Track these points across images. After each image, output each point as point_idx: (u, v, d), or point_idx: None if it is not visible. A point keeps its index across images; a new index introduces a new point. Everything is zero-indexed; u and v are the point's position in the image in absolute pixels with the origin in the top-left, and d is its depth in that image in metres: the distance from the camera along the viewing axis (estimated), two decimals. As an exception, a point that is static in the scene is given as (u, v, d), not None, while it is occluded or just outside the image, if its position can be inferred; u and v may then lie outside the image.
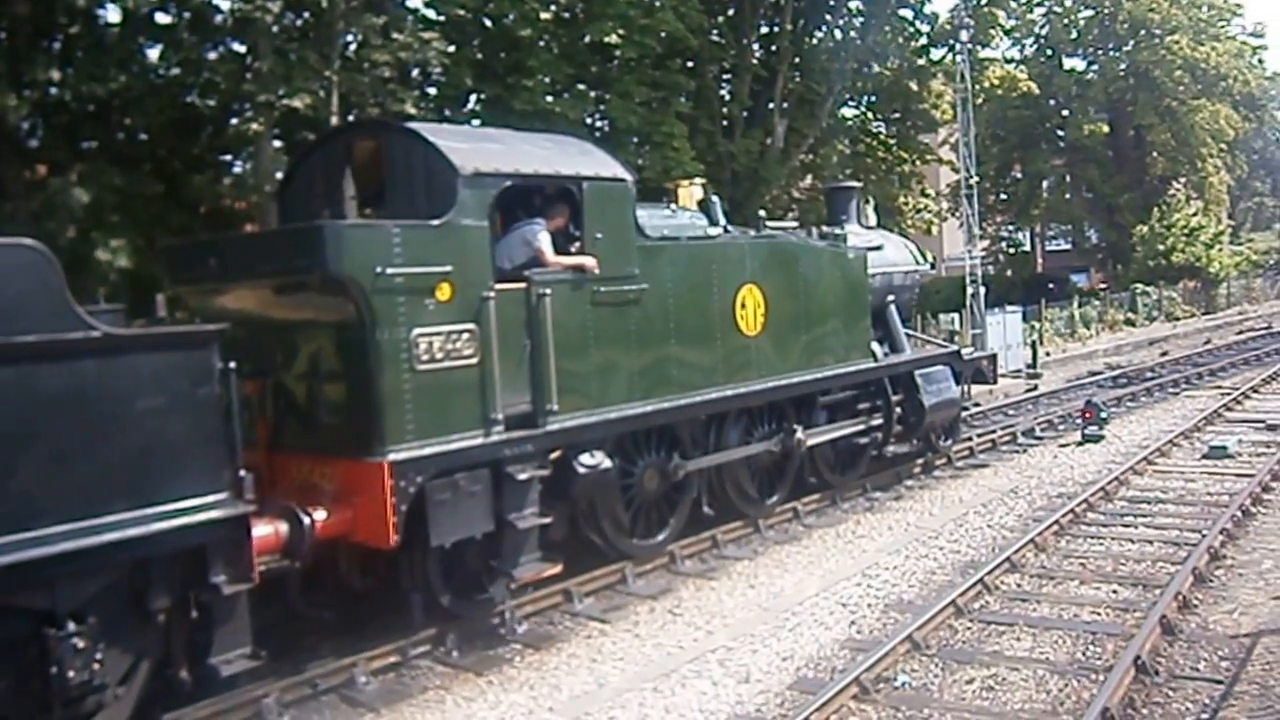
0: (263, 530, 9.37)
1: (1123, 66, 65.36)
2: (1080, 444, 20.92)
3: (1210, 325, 52.44)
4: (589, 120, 31.48)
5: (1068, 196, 70.58)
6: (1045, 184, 70.09)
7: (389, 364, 10.02)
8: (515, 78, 28.61)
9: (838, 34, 41.82)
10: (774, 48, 39.44)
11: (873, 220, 20.35)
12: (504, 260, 11.59)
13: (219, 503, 8.42)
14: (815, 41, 41.67)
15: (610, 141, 31.68)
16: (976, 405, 24.11)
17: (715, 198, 15.94)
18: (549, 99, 28.90)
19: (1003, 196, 69.04)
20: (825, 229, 18.42)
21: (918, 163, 46.76)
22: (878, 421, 17.29)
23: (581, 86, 30.80)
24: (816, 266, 15.97)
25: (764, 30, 39.97)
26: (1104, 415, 21.62)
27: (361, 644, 10.71)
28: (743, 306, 14.28)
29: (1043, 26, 67.50)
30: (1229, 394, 26.01)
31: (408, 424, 10.15)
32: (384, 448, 9.99)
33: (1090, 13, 66.30)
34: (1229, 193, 77.38)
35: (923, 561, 13.63)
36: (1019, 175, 69.39)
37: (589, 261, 12.08)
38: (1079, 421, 21.89)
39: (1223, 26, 69.31)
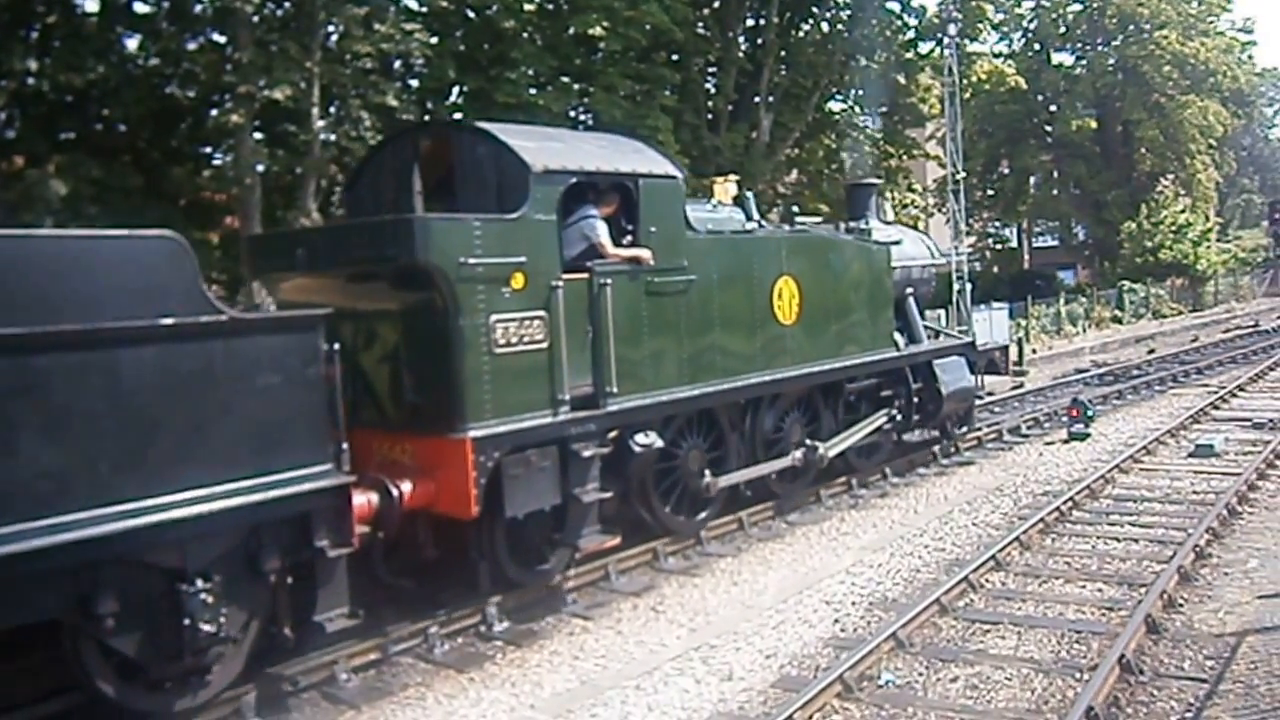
0: (358, 500, 10.01)
1: (1111, 62, 65.44)
2: (1066, 442, 20.88)
3: (1198, 323, 52.54)
4: (572, 113, 31.37)
5: (1055, 192, 70.70)
6: (1033, 180, 70.14)
7: (470, 347, 10.84)
8: (498, 70, 28.45)
9: (825, 27, 41.73)
10: (760, 41, 39.33)
11: (890, 215, 21.07)
12: (564, 251, 12.15)
13: (324, 473, 9.29)
14: (802, 35, 41.58)
15: (594, 135, 31.62)
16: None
17: (749, 194, 16.87)
18: (532, 91, 28.81)
19: (990, 192, 69.06)
20: (851, 224, 19.32)
21: (904, 158, 46.69)
22: (895, 410, 18.00)
23: (565, 79, 30.58)
24: (845, 260, 16.81)
25: (750, 23, 39.86)
26: (1090, 413, 21.61)
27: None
28: (779, 297, 15.08)
29: (1031, 21, 67.50)
30: (1216, 392, 26.02)
31: (486, 403, 10.98)
32: (466, 425, 10.80)
33: (1079, 7, 66.30)
34: (1217, 190, 77.67)
35: (907, 559, 13.56)
36: (1006, 171, 69.41)
37: (644, 254, 12.85)
38: (1065, 419, 21.89)
39: (1212, 22, 69.31)
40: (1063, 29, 66.96)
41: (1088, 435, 21.00)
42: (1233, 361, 33.70)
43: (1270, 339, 40.25)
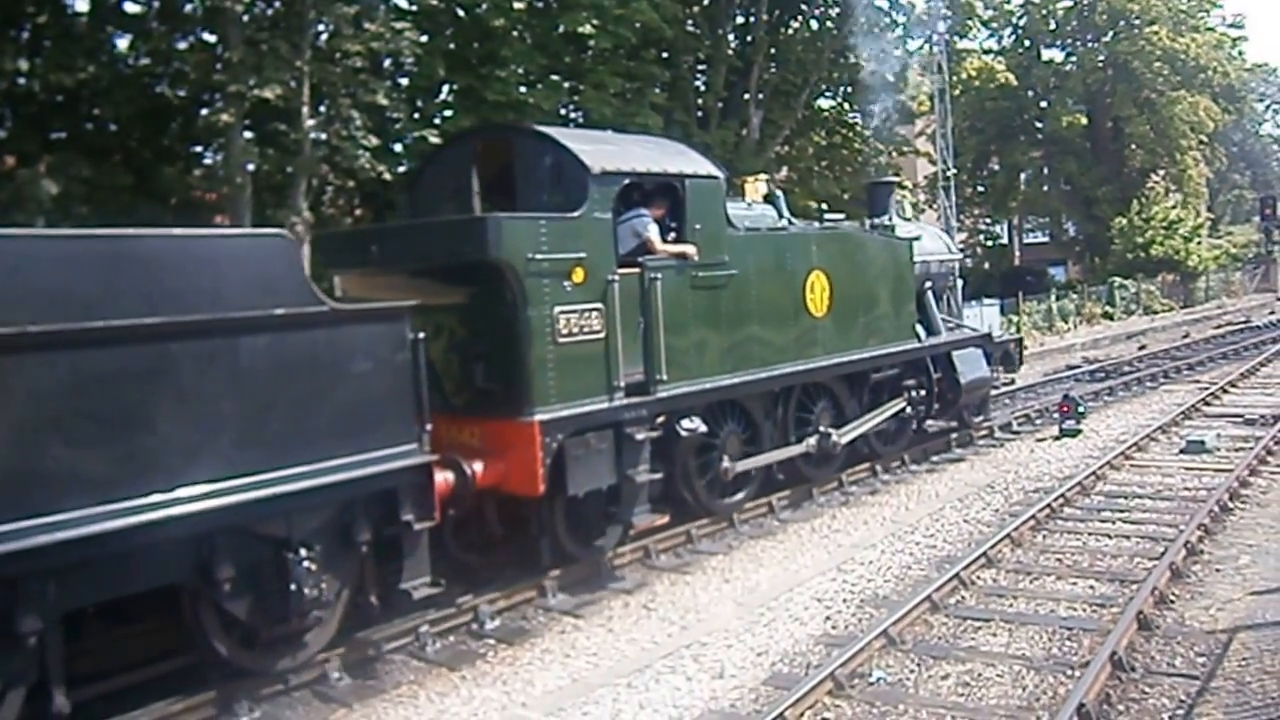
0: (437, 477, 10.73)
1: (1101, 57, 65.45)
2: (1058, 438, 20.86)
3: (1189, 319, 52.50)
4: (562, 111, 31.39)
5: (1045, 189, 70.84)
6: (1023, 176, 70.24)
7: (537, 337, 11.64)
8: (488, 68, 28.43)
9: (814, 24, 41.76)
10: (750, 38, 39.43)
11: (909, 212, 21.61)
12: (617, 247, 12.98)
13: (410, 451, 10.12)
14: (791, 32, 41.63)
15: (584, 133, 31.64)
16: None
17: (779, 192, 17.78)
18: (522, 90, 28.83)
19: (980, 189, 69.17)
20: (875, 220, 20.10)
21: (894, 155, 46.72)
22: (911, 399, 18.66)
23: (555, 77, 30.62)
24: (871, 255, 17.62)
25: (740, 20, 39.97)
26: (1081, 409, 21.62)
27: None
28: (811, 290, 15.84)
29: (1020, 17, 67.58)
30: (1207, 388, 25.97)
31: (551, 389, 11.79)
32: (533, 409, 11.63)
33: (1069, 3, 66.34)
34: (1208, 185, 77.75)
35: (898, 556, 13.56)
36: (996, 167, 69.43)
37: (690, 249, 13.64)
38: (1056, 416, 21.86)
39: (1202, 17, 69.40)
40: (1053, 25, 67.01)
41: (1079, 432, 20.98)
42: (1224, 357, 33.64)
43: (1261, 335, 40.20)
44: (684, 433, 13.45)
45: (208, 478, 8.60)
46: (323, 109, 24.66)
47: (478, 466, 11.46)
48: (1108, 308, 53.33)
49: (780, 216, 16.75)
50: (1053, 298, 49.97)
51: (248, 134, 24.45)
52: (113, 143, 24.49)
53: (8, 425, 7.62)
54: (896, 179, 24.34)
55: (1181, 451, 18.90)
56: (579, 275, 12.03)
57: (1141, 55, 62.32)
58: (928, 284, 19.92)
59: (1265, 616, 10.75)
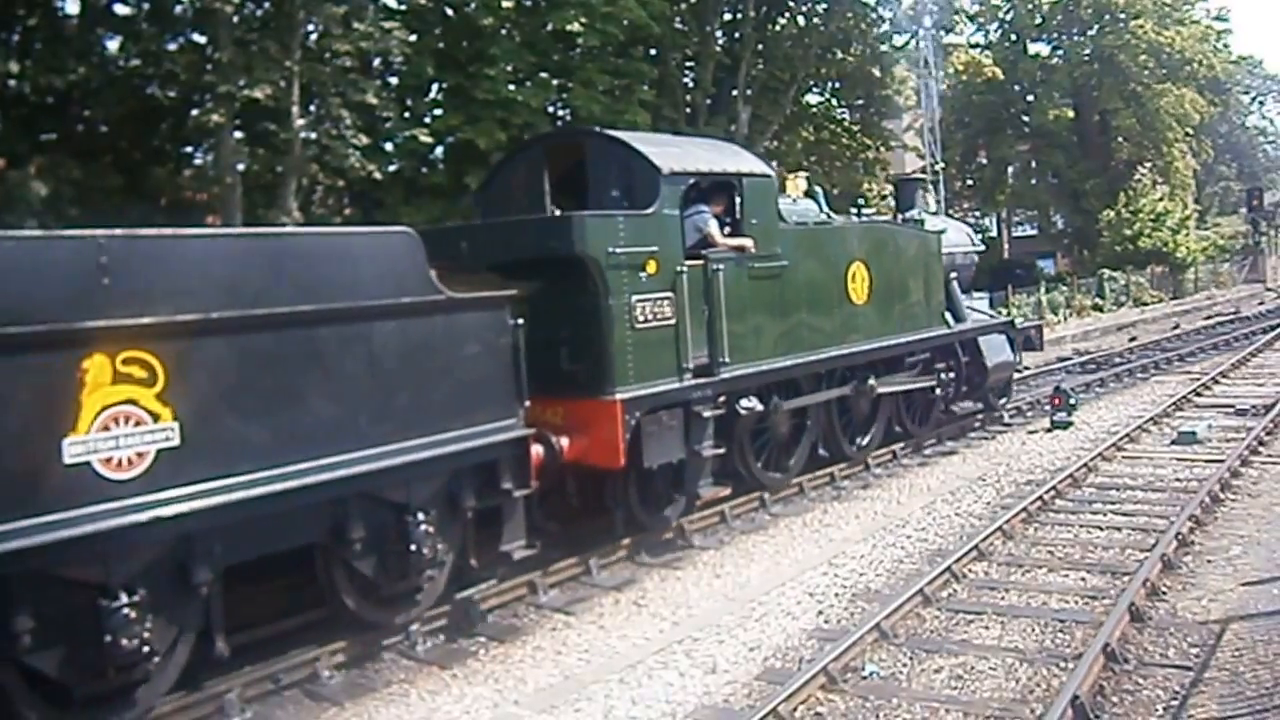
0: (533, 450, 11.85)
1: (1087, 51, 65.35)
2: (1049, 430, 20.91)
3: (1179, 310, 52.60)
4: (551, 108, 31.40)
5: (1033, 182, 70.71)
6: (1011, 169, 70.19)
7: (617, 323, 12.76)
8: (477, 66, 28.41)
9: (801, 21, 41.74)
10: (737, 35, 39.38)
11: (933, 207, 22.40)
12: None
13: (510, 426, 11.27)
14: (779, 28, 41.60)
15: (572, 130, 31.66)
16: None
17: (819, 188, 18.77)
18: (511, 87, 28.79)
19: (968, 182, 69.15)
20: (906, 215, 21.25)
21: (882, 149, 46.73)
22: (944, 379, 20.08)
23: (544, 75, 30.54)
24: (905, 247, 18.87)
25: (727, 17, 39.89)
26: (1072, 401, 21.63)
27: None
28: (852, 280, 17.01)
29: (1007, 11, 67.47)
30: (1198, 379, 26.04)
31: (630, 371, 12.90)
32: (614, 389, 12.74)
33: (1055, -3, 66.29)
34: (1195, 177, 77.69)
35: (890, 550, 13.59)
36: (984, 161, 69.35)
37: (748, 242, 14.78)
38: (1047, 408, 21.95)
39: (1187, 10, 69.36)
40: (1039, 19, 66.87)
41: (1070, 424, 21.01)
42: (1214, 348, 33.74)
43: (1251, 325, 40.29)
44: (743, 411, 14.59)
45: (347, 448, 9.71)
46: (313, 109, 24.68)
47: (564, 441, 12.56)
48: (1097, 300, 53.31)
49: (820, 210, 17.91)
50: (1042, 290, 49.95)
51: (238, 134, 24.45)
52: (103, 144, 24.50)
53: (194, 398, 8.65)
54: (923, 176, 25.20)
55: (1173, 443, 18.94)
56: (652, 267, 13.15)
57: (1127, 49, 62.28)
58: (953, 274, 21.06)
59: (1258, 607, 10.78)
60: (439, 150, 29.93)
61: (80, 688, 8.54)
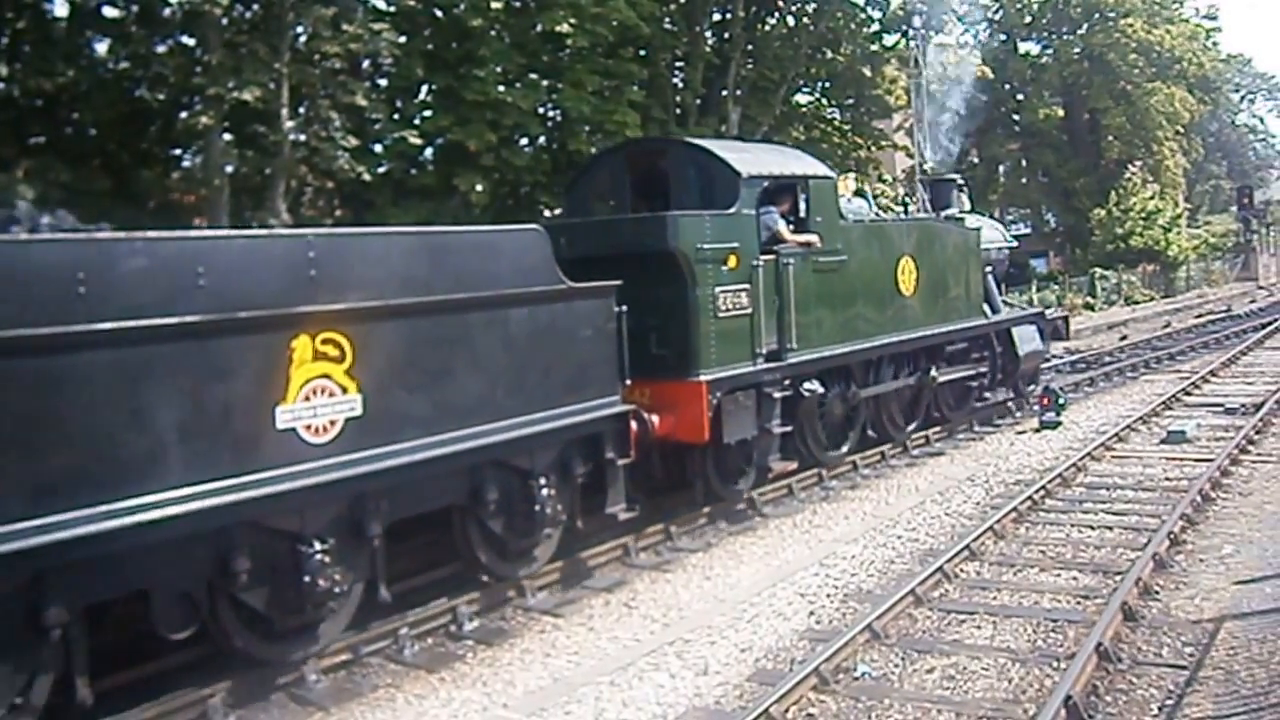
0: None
1: (1077, 50, 65.60)
2: (1038, 430, 20.88)
3: (1170, 308, 52.64)
4: (541, 109, 31.38)
5: (1024, 181, 70.93)
6: (1002, 169, 70.41)
7: (703, 312, 14.01)
8: (466, 68, 28.44)
9: (790, 21, 41.74)
10: (727, 35, 39.42)
11: (967, 205, 23.29)
12: None
13: (613, 402, 12.59)
14: (768, 29, 41.61)
15: (562, 131, 31.71)
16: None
17: (865, 188, 20.35)
18: (500, 89, 28.80)
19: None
20: (947, 213, 22.36)
21: (872, 149, 46.72)
22: (985, 369, 21.50)
23: (533, 76, 30.56)
24: (947, 242, 20.11)
25: (717, 18, 39.92)
26: (1062, 401, 21.67)
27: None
28: (902, 273, 18.29)
29: (996, 11, 67.56)
30: (1188, 378, 26.08)
31: (713, 355, 14.11)
32: (700, 371, 13.94)
33: (1044, -4, 66.39)
34: (1185, 176, 77.82)
35: (881, 550, 13.54)
36: (975, 160, 69.40)
37: (813, 239, 16.02)
38: (1037, 408, 21.89)
39: (1176, 9, 69.70)
40: (1028, 18, 67.07)
41: (1059, 424, 20.99)
42: (1205, 347, 33.81)
43: (1242, 324, 40.37)
44: (806, 393, 15.78)
45: (486, 419, 10.97)
46: (302, 110, 24.65)
47: (655, 419, 13.69)
48: (1089, 298, 53.39)
49: (870, 209, 19.33)
50: (1034, 289, 50.01)
51: (227, 136, 24.40)
52: (92, 147, 24.45)
53: (373, 374, 9.91)
54: (955, 175, 26.77)
55: (1162, 442, 18.94)
56: (732, 262, 14.35)
57: (1117, 47, 62.47)
58: (988, 268, 22.27)
59: (1252, 605, 10.76)
60: (428, 152, 29.95)
61: (280, 622, 9.75)
